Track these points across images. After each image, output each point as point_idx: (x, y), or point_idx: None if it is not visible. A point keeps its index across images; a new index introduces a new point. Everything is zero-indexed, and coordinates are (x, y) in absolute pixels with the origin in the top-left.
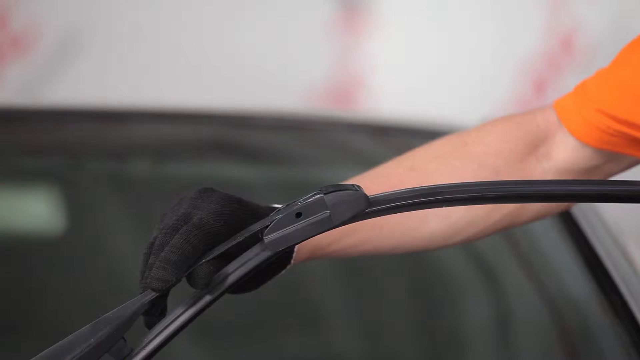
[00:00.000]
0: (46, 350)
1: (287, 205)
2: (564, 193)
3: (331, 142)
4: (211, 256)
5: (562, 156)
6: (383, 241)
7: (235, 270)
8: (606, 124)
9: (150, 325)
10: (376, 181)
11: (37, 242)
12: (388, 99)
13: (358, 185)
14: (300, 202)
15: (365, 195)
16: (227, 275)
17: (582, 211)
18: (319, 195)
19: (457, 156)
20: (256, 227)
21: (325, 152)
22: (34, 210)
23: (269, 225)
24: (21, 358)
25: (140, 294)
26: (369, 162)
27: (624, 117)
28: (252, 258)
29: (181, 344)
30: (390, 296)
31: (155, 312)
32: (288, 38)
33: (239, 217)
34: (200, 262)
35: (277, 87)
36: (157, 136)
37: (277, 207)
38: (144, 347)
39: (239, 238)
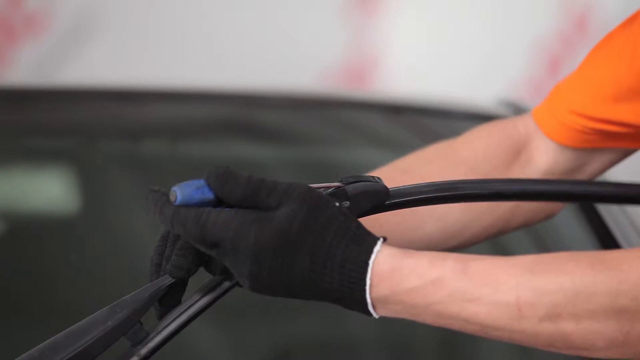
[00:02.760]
0: (63, 332)
1: None
2: (585, 194)
3: (345, 121)
4: None
5: (544, 160)
6: None
7: None
8: (581, 124)
9: (162, 317)
10: None
11: (52, 222)
12: (402, 78)
13: (378, 177)
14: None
15: (386, 187)
16: None
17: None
18: (339, 186)
19: (448, 161)
20: None
21: (339, 131)
22: (49, 191)
23: None
24: (37, 340)
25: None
26: (383, 141)
27: (597, 115)
28: None
29: (195, 326)
30: None
31: (170, 303)
32: (303, 18)
33: None
34: None
35: (292, 66)
36: (172, 116)
37: None
38: (160, 332)
39: None
